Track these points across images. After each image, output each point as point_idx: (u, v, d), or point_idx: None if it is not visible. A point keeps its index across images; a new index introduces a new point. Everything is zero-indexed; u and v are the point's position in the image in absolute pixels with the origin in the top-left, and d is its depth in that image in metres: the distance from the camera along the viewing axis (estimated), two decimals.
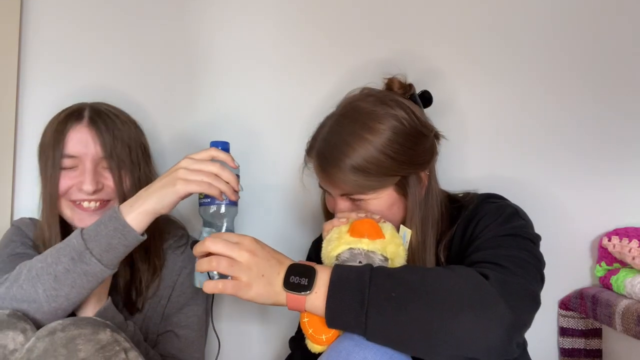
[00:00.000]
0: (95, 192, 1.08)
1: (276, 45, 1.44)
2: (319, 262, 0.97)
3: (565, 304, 1.37)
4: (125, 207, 0.93)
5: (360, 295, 0.81)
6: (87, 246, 0.90)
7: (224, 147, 1.00)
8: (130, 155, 1.12)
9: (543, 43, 1.41)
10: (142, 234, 0.94)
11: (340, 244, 0.96)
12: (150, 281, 1.15)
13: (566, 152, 1.40)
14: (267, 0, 1.44)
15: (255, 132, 1.44)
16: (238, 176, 0.98)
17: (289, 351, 1.23)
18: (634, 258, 1.26)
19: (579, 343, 1.37)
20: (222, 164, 0.94)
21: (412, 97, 1.13)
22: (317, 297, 0.84)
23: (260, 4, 1.44)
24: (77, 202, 1.10)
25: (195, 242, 0.92)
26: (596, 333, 1.37)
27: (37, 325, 0.88)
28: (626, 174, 1.38)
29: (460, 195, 1.17)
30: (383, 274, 0.84)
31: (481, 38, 1.42)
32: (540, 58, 1.41)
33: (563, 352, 1.37)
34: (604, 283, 1.32)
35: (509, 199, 1.12)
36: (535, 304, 0.90)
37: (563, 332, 1.38)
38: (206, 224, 0.98)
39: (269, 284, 0.85)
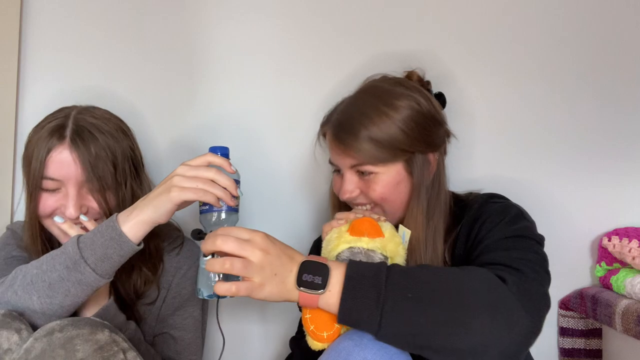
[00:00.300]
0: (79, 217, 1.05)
1: (276, 48, 1.44)
2: None
3: (565, 304, 1.37)
4: (122, 217, 0.92)
5: (376, 294, 0.80)
6: (82, 255, 0.90)
7: (223, 152, 0.97)
8: (116, 173, 1.07)
9: (549, 45, 1.41)
10: (139, 244, 0.93)
11: (340, 243, 0.96)
12: (149, 284, 1.15)
13: (566, 152, 1.39)
14: (267, 3, 1.44)
15: (256, 134, 1.44)
16: (238, 182, 0.96)
17: (289, 351, 1.23)
18: (634, 258, 1.26)
19: (579, 343, 1.37)
20: (219, 169, 0.92)
21: (429, 92, 1.16)
22: (331, 295, 0.82)
23: (261, 7, 1.44)
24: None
25: (198, 232, 0.91)
26: (596, 333, 1.37)
27: (33, 327, 0.88)
28: (626, 174, 1.38)
29: (463, 195, 1.18)
30: (399, 272, 0.83)
31: (489, 40, 1.42)
32: (545, 60, 1.40)
33: (563, 352, 1.37)
34: (604, 283, 1.32)
35: (510, 199, 1.13)
36: (548, 309, 0.91)
37: (563, 332, 1.38)
38: (206, 231, 0.96)
39: (281, 283, 0.83)
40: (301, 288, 0.82)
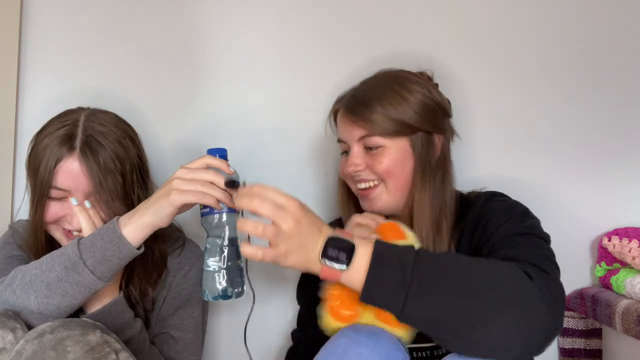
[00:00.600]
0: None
1: (277, 49, 1.44)
2: None
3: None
4: (123, 220, 0.92)
5: (403, 275, 0.80)
6: (81, 256, 0.90)
7: (222, 154, 0.97)
8: (124, 184, 1.06)
9: (551, 45, 1.40)
10: (139, 247, 0.93)
11: None
12: (153, 286, 1.15)
13: (566, 152, 1.39)
14: (268, 4, 1.44)
15: (257, 135, 1.44)
16: (238, 182, 0.95)
17: (290, 343, 1.24)
18: (634, 258, 1.25)
19: (579, 343, 1.36)
20: (218, 171, 0.92)
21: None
22: (355, 272, 0.82)
23: (261, 8, 1.44)
24: (68, 230, 1.08)
25: (232, 182, 0.89)
26: (596, 333, 1.36)
27: (29, 327, 0.88)
28: (626, 174, 1.37)
29: (466, 193, 1.18)
30: (426, 257, 0.83)
31: (490, 39, 1.42)
32: (546, 59, 1.40)
33: (563, 352, 1.37)
34: (604, 283, 1.31)
35: (511, 197, 1.13)
36: (565, 306, 0.92)
37: (563, 332, 1.37)
38: (209, 234, 0.96)
39: (306, 254, 0.82)
40: (325, 262, 0.82)
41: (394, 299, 0.80)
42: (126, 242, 0.90)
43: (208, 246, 0.95)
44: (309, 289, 1.22)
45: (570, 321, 1.37)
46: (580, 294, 1.33)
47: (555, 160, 1.39)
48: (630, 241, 1.27)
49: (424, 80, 1.16)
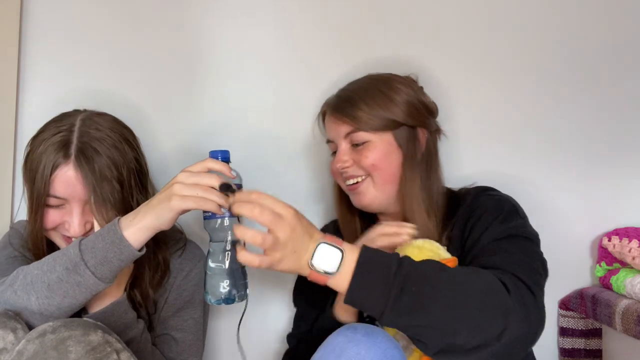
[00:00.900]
0: (84, 234, 1.04)
1: (276, 49, 1.45)
2: None
3: (565, 304, 1.37)
4: (125, 221, 0.91)
5: (384, 282, 0.83)
6: (82, 257, 0.89)
7: (224, 156, 0.96)
8: (122, 190, 1.05)
9: (542, 43, 1.41)
10: (141, 249, 0.92)
11: None
12: (155, 288, 1.15)
13: (566, 152, 1.39)
14: (267, 4, 1.45)
15: (258, 135, 1.44)
16: (240, 185, 0.95)
17: (286, 346, 1.24)
18: (634, 258, 1.25)
19: (579, 343, 1.37)
20: (220, 175, 0.91)
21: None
22: (341, 277, 0.84)
23: (261, 9, 1.45)
24: (67, 237, 1.07)
25: (227, 186, 0.90)
26: (596, 333, 1.36)
27: (30, 327, 0.88)
28: (626, 174, 1.38)
29: (457, 190, 1.19)
30: (409, 264, 0.85)
31: (477, 39, 1.42)
32: (545, 58, 1.41)
33: (563, 352, 1.37)
34: (604, 283, 1.32)
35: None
36: (543, 322, 0.92)
37: (563, 332, 1.37)
38: (212, 238, 0.95)
39: (298, 259, 0.85)
40: (313, 268, 0.85)
41: (375, 303, 0.83)
42: (127, 243, 0.89)
43: (211, 250, 0.94)
44: (306, 291, 1.23)
45: (570, 321, 1.37)
46: (580, 294, 1.33)
47: (556, 160, 1.39)
48: (630, 241, 1.27)
49: (410, 81, 1.19)
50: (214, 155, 0.95)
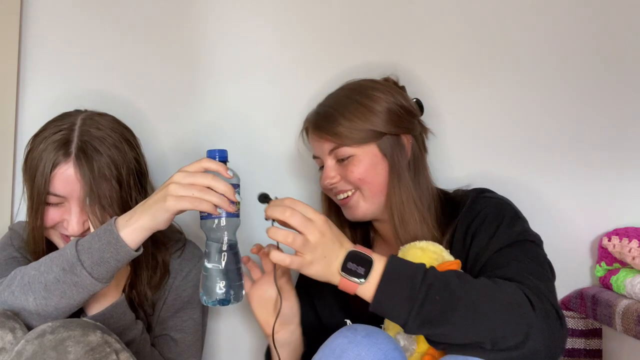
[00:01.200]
0: (82, 232, 1.05)
1: (276, 50, 1.45)
2: None
3: (565, 304, 1.37)
4: (121, 221, 0.91)
5: (409, 291, 0.85)
6: (79, 258, 0.89)
7: (221, 155, 0.95)
8: (121, 190, 1.06)
9: (537, 40, 1.41)
10: (138, 249, 0.92)
11: None
12: (154, 289, 1.15)
13: (566, 152, 1.39)
14: (267, 4, 1.45)
15: (257, 134, 1.44)
16: (237, 185, 0.94)
17: None
18: (634, 258, 1.25)
19: (579, 343, 1.36)
20: (216, 174, 0.91)
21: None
22: (368, 285, 0.87)
23: (260, 9, 1.45)
24: (65, 235, 1.07)
25: (265, 196, 0.94)
26: (596, 333, 1.36)
27: (28, 327, 0.88)
28: (626, 174, 1.37)
29: (451, 192, 1.19)
30: (434, 275, 0.88)
31: (470, 39, 1.42)
32: (541, 58, 1.40)
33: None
34: (604, 283, 1.31)
35: (509, 198, 1.13)
36: (565, 338, 0.93)
37: None
38: (208, 238, 0.95)
39: (328, 265, 0.89)
40: (343, 274, 0.88)
41: (400, 311, 0.85)
42: (124, 244, 0.89)
43: (207, 250, 0.94)
44: (307, 289, 1.23)
45: (570, 321, 1.37)
46: (580, 294, 1.33)
47: (556, 161, 1.39)
48: (630, 241, 1.27)
49: (389, 86, 1.18)
50: (211, 154, 0.95)
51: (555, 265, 1.04)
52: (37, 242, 1.07)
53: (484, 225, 1.04)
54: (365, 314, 0.91)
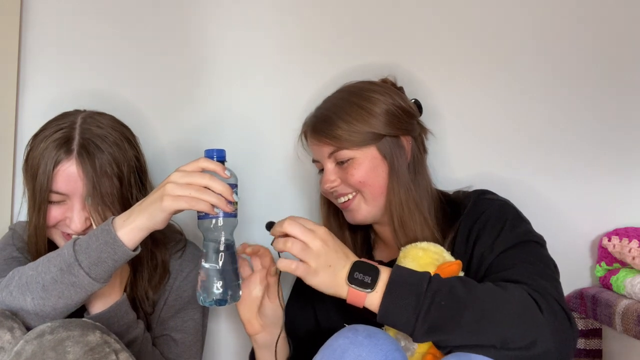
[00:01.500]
0: (84, 230, 1.05)
1: (276, 50, 1.45)
2: None
3: None
4: (118, 221, 0.91)
5: (416, 300, 0.85)
6: (76, 258, 0.89)
7: (219, 155, 0.95)
8: (121, 187, 1.06)
9: (537, 40, 1.41)
10: (136, 249, 0.92)
11: None
12: (154, 289, 1.14)
13: (566, 152, 1.39)
14: (267, 5, 1.45)
15: (256, 134, 1.44)
16: (235, 186, 0.94)
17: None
18: (634, 258, 1.25)
19: (578, 343, 1.36)
20: (214, 174, 0.91)
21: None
22: (375, 295, 0.88)
23: (260, 9, 1.45)
24: (67, 234, 1.07)
25: (272, 223, 0.95)
26: (596, 333, 1.36)
27: (27, 327, 0.88)
28: (626, 174, 1.37)
29: (452, 193, 1.19)
30: (438, 281, 0.88)
31: (470, 39, 1.42)
32: (547, 54, 1.41)
33: None
34: (604, 283, 1.31)
35: (510, 199, 1.13)
36: (576, 339, 0.92)
37: None
38: (205, 238, 0.95)
39: (333, 275, 0.89)
40: (352, 285, 0.88)
41: (407, 319, 0.85)
42: (121, 243, 0.89)
43: (204, 250, 0.94)
44: (308, 291, 1.23)
45: None
46: (580, 294, 1.33)
47: (555, 161, 1.39)
48: (630, 241, 1.27)
49: (387, 87, 1.17)
50: (209, 154, 0.94)
51: None
52: (38, 242, 1.07)
53: (486, 227, 1.04)
54: (364, 318, 0.91)
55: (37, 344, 0.79)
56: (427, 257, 0.99)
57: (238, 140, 1.43)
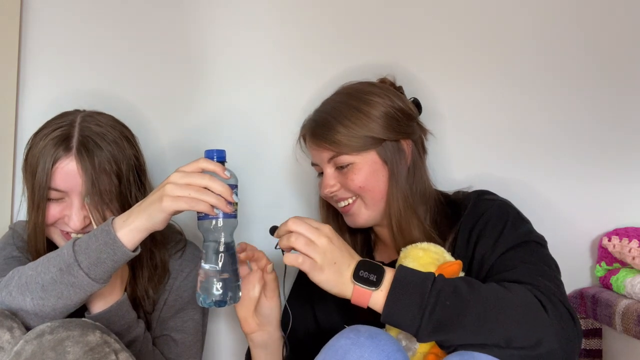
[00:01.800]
0: (82, 228, 1.05)
1: (276, 49, 1.45)
2: None
3: None
4: (118, 222, 0.91)
5: (420, 300, 0.85)
6: (76, 258, 0.89)
7: (219, 155, 0.94)
8: (120, 185, 1.06)
9: (536, 43, 1.41)
10: (135, 249, 0.92)
11: None
12: (154, 289, 1.14)
13: (566, 152, 1.39)
14: (266, 5, 1.45)
15: (256, 134, 1.44)
16: (235, 186, 0.93)
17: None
18: (634, 258, 1.25)
19: None
20: (213, 175, 0.90)
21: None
22: (380, 294, 0.88)
23: (259, 9, 1.45)
24: (66, 232, 1.07)
25: (275, 227, 0.95)
26: (596, 333, 1.36)
27: (26, 327, 0.88)
28: (626, 174, 1.37)
29: (452, 194, 1.18)
30: (442, 281, 0.88)
31: (470, 39, 1.42)
32: (549, 55, 1.41)
33: None
34: (604, 283, 1.31)
35: (510, 199, 1.13)
36: (581, 339, 0.92)
37: None
38: (205, 238, 0.94)
39: (338, 273, 0.89)
40: (357, 283, 0.88)
41: (412, 318, 0.85)
42: (120, 244, 0.89)
43: (204, 251, 0.94)
44: (308, 291, 1.22)
45: None
46: (580, 294, 1.33)
47: (555, 161, 1.39)
48: (630, 241, 1.27)
49: (385, 88, 1.16)
50: (209, 154, 0.94)
51: None
52: (38, 240, 1.07)
53: (487, 228, 1.04)
54: (365, 319, 0.91)
55: (36, 344, 0.79)
56: (427, 257, 0.99)
57: (238, 141, 1.43)
